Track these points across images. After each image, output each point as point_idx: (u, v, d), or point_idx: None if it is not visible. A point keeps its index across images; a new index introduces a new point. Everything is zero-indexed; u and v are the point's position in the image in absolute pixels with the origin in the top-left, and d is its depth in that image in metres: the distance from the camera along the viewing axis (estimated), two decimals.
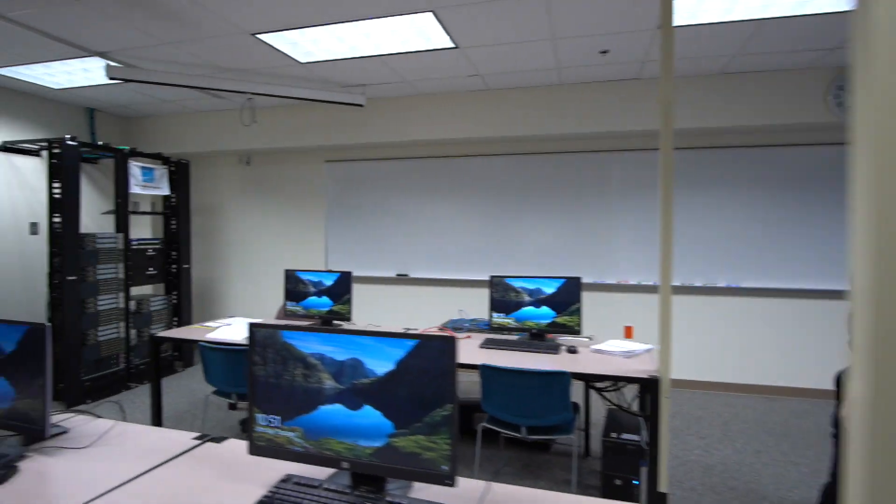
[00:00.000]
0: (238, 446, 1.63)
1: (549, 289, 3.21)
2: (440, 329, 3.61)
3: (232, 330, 3.48)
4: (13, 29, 3.27)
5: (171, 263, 5.28)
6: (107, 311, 4.54)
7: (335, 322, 3.75)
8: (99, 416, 1.91)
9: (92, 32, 3.36)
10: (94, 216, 5.44)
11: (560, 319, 3.18)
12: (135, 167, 4.78)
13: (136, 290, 4.97)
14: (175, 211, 5.31)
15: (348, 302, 3.62)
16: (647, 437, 2.53)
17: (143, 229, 5.86)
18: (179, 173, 5.28)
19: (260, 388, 1.40)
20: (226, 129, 5.48)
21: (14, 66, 3.98)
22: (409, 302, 5.39)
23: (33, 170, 4.85)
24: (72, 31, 3.35)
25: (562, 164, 4.89)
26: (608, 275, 4.82)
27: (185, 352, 5.35)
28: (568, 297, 3.17)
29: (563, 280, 3.20)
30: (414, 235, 5.30)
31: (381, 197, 5.37)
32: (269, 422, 1.38)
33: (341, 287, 3.64)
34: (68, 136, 4.17)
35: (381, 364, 1.28)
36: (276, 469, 1.41)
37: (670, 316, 2.15)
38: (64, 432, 1.75)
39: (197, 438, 1.70)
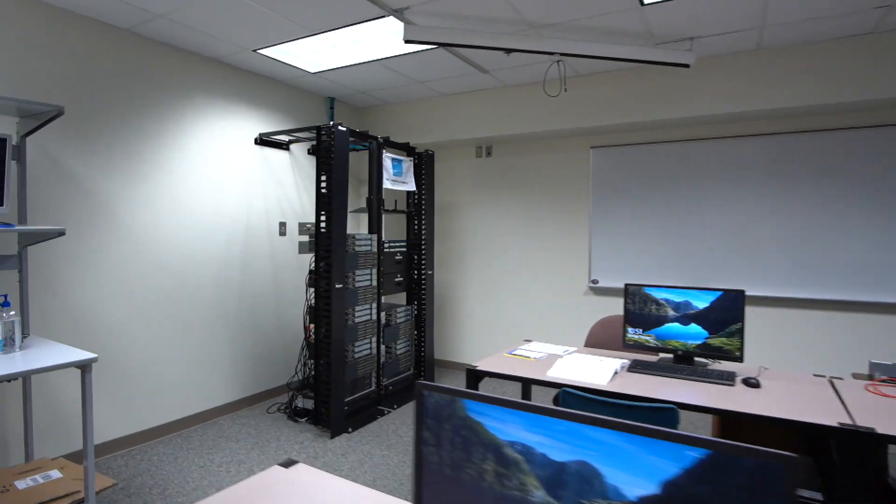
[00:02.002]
0: None
1: None
2: (876, 383, 2.37)
3: (576, 366, 2.55)
4: None
5: (411, 269, 4.62)
6: (363, 324, 3.93)
7: (697, 360, 2.68)
8: None
9: None
10: None
11: None
12: (387, 159, 4.15)
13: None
14: (418, 208, 4.64)
15: (739, 334, 2.51)
16: None
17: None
18: (424, 166, 4.61)
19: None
20: (465, 116, 4.72)
21: (289, 41, 3.47)
22: None
23: (282, 164, 4.43)
24: None
25: None
26: None
27: (426, 372, 4.65)
28: None
29: None
30: (721, 241, 4.07)
31: (670, 190, 4.22)
32: None
33: (726, 311, 2.55)
34: (333, 123, 3.60)
35: (633, 481, 0.67)
36: None
37: None
38: None
39: None
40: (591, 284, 4.52)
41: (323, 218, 3.62)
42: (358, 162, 5.26)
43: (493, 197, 5.03)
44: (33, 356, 2.29)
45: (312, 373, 3.99)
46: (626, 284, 2.82)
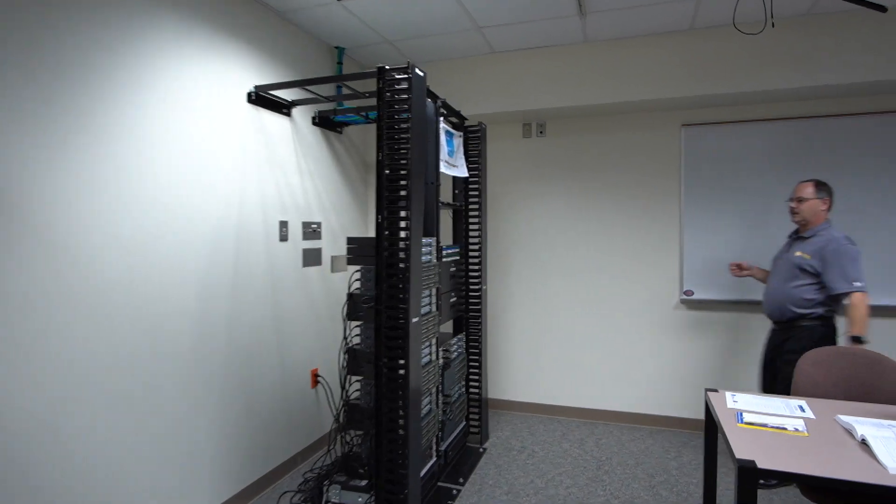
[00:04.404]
0: None
1: None
2: None
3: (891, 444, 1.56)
4: None
5: (461, 285, 3.41)
6: (423, 369, 2.67)
7: None
8: None
9: None
10: (351, 214, 3.65)
11: None
12: (442, 132, 2.91)
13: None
14: (466, 202, 3.44)
15: None
16: None
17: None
18: (474, 145, 3.41)
19: None
20: (517, 82, 3.61)
21: None
22: None
23: (282, 136, 3.01)
24: None
25: None
26: None
27: (481, 423, 3.46)
28: None
29: None
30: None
31: (791, 179, 3.42)
32: None
33: None
34: (404, 65, 2.30)
35: None
36: None
37: None
38: None
39: None
40: (684, 297, 3.61)
41: (385, 215, 2.31)
42: (364, 139, 3.91)
43: (547, 187, 3.95)
44: None
45: (352, 449, 2.66)
46: None
